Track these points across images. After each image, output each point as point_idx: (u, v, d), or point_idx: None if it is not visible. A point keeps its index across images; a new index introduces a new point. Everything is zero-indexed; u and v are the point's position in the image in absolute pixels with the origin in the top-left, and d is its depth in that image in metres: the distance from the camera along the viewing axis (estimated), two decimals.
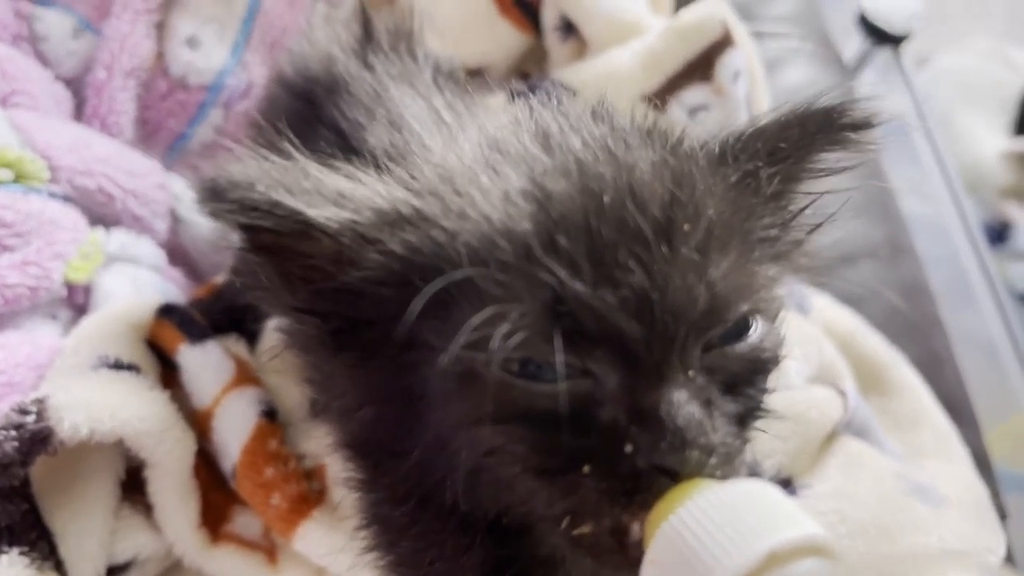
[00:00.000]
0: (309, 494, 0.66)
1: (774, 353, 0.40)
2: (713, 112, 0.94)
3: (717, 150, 0.42)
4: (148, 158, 0.90)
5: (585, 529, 0.38)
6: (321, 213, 0.39)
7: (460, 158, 0.42)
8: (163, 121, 0.97)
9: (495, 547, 0.45)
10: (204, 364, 0.71)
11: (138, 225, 0.87)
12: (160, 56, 0.96)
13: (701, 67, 0.94)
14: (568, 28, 1.02)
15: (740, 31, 0.95)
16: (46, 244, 0.74)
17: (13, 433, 0.59)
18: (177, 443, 0.65)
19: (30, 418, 0.60)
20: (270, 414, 0.70)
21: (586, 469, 0.35)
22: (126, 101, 0.93)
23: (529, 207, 0.37)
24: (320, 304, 0.43)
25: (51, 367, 0.70)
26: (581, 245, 0.35)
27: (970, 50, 1.86)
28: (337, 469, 0.66)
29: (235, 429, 0.68)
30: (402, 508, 0.46)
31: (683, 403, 0.35)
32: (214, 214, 0.39)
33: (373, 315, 0.41)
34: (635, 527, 0.36)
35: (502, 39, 1.03)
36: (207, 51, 0.97)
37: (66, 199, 0.79)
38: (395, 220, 0.39)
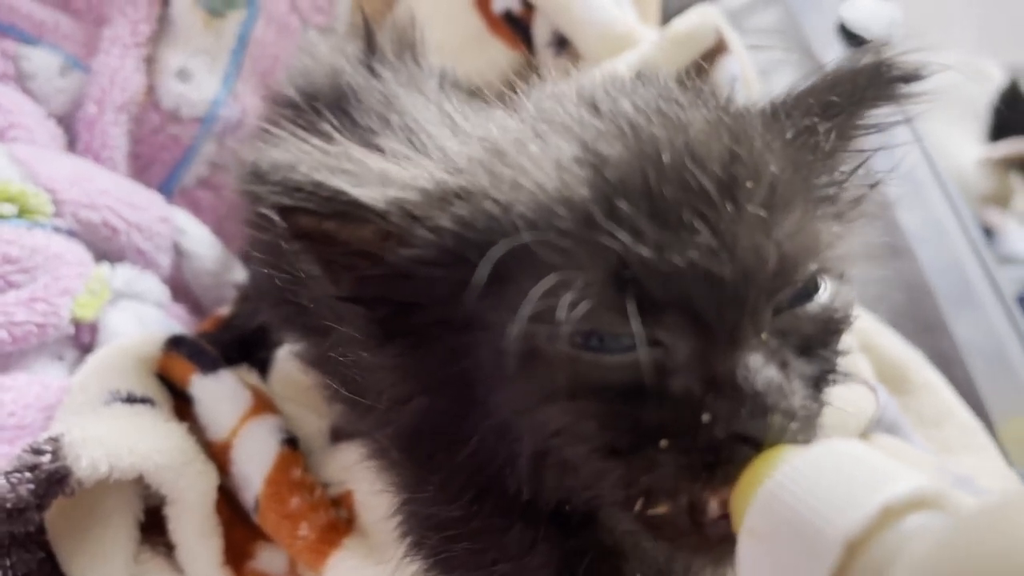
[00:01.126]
0: (338, 523, 0.64)
1: (845, 313, 0.39)
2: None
3: (770, 108, 0.41)
4: (149, 191, 0.88)
5: (660, 510, 0.36)
6: (366, 192, 0.37)
7: (505, 131, 0.41)
8: (156, 155, 0.96)
9: (559, 540, 0.43)
10: (219, 394, 0.69)
11: (142, 260, 0.84)
12: (151, 90, 0.95)
13: (698, 75, 0.93)
14: (561, 44, 1.02)
15: (733, 37, 0.96)
16: (53, 280, 0.72)
17: (28, 475, 0.56)
18: (199, 477, 0.63)
19: (45, 458, 0.57)
20: (291, 442, 0.68)
21: (663, 444, 0.34)
22: (118, 136, 0.92)
23: (584, 173, 0.35)
24: (365, 291, 0.41)
25: (60, 406, 0.67)
26: (643, 208, 0.33)
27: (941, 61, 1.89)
28: (367, 490, 0.64)
29: (256, 459, 0.66)
30: (457, 504, 0.44)
31: (760, 367, 0.33)
32: (258, 197, 0.38)
33: (423, 298, 0.39)
34: (713, 504, 0.35)
35: (494, 58, 1.03)
36: (198, 83, 0.96)
37: (71, 233, 0.77)
38: (444, 195, 0.38)
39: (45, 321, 0.71)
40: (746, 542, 0.31)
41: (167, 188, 0.96)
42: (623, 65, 0.94)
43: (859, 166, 0.44)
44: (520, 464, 0.39)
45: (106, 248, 0.82)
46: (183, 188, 0.97)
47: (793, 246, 0.35)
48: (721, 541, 0.36)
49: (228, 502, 0.68)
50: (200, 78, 0.96)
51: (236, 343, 0.79)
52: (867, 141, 0.44)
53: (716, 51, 0.93)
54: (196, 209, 0.96)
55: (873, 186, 0.45)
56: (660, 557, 0.46)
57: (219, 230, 0.96)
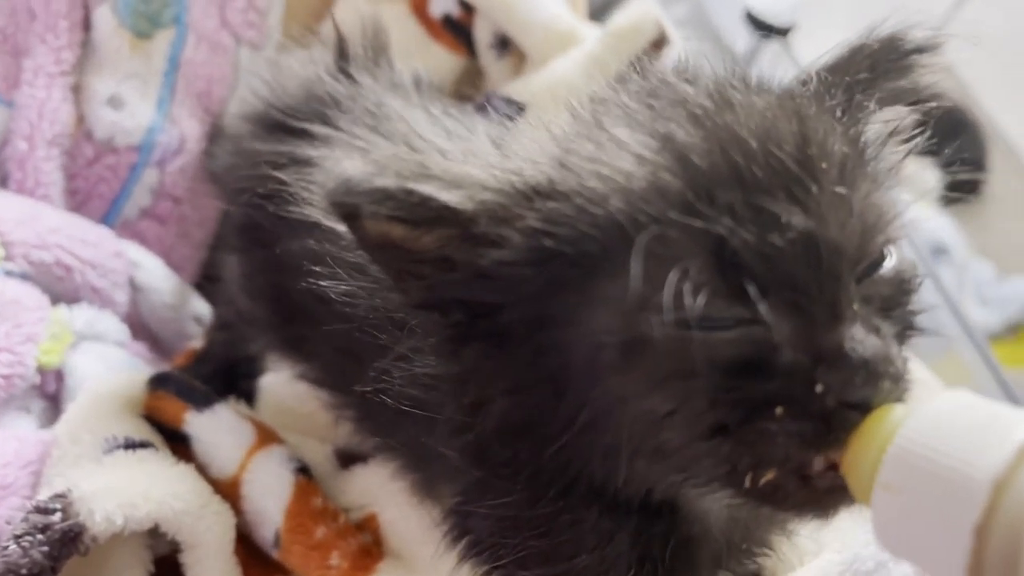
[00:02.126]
0: (370, 547, 0.62)
1: (914, 273, 0.40)
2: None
3: (814, 88, 0.41)
4: (98, 226, 0.83)
5: (769, 476, 0.36)
6: (453, 197, 0.37)
7: (564, 129, 0.41)
8: (93, 188, 0.90)
9: (638, 530, 0.43)
10: (219, 430, 0.66)
11: (98, 299, 0.79)
12: (81, 120, 0.89)
13: (642, 67, 0.95)
14: (503, 45, 1.02)
15: (671, 29, 0.98)
16: (14, 327, 0.67)
17: (40, 537, 0.52)
18: (217, 518, 0.60)
19: (55, 517, 0.53)
20: (304, 471, 0.65)
21: (779, 411, 0.34)
22: (52, 171, 0.86)
23: (670, 162, 0.35)
24: (438, 297, 0.40)
25: (48, 462, 0.62)
26: (738, 193, 0.34)
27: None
28: (394, 511, 0.62)
29: (272, 492, 0.63)
30: (539, 503, 0.43)
31: (865, 337, 0.34)
32: (344, 210, 0.37)
33: (507, 298, 0.39)
34: (818, 460, 0.36)
35: (437, 62, 1.02)
36: (132, 109, 0.91)
37: (23, 277, 0.72)
38: (530, 195, 0.38)
39: (11, 372, 0.66)
40: (881, 497, 0.32)
41: (108, 222, 0.91)
42: (570, 62, 0.95)
43: (892, 136, 0.46)
44: (611, 456, 0.39)
45: (60, 289, 0.77)
46: (125, 221, 0.92)
47: (869, 219, 0.37)
48: (828, 492, 0.37)
49: (241, 541, 0.64)
50: (133, 104, 0.91)
51: (217, 375, 0.76)
52: (895, 112, 0.46)
53: (660, 43, 0.95)
54: (141, 241, 0.91)
55: (905, 156, 0.46)
56: (732, 537, 0.47)
57: (169, 262, 0.92)
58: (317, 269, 0.53)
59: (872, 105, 0.44)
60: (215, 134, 0.96)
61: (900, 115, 0.46)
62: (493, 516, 0.46)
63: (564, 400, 0.39)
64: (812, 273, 0.34)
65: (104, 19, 0.89)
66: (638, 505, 0.43)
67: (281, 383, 0.77)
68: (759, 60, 1.57)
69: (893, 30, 0.44)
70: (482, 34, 1.01)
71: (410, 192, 0.36)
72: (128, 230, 0.92)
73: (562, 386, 0.39)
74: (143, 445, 0.62)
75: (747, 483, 0.37)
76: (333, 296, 0.53)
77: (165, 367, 0.83)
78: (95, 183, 0.90)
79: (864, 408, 0.34)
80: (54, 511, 0.53)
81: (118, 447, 0.61)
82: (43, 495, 0.56)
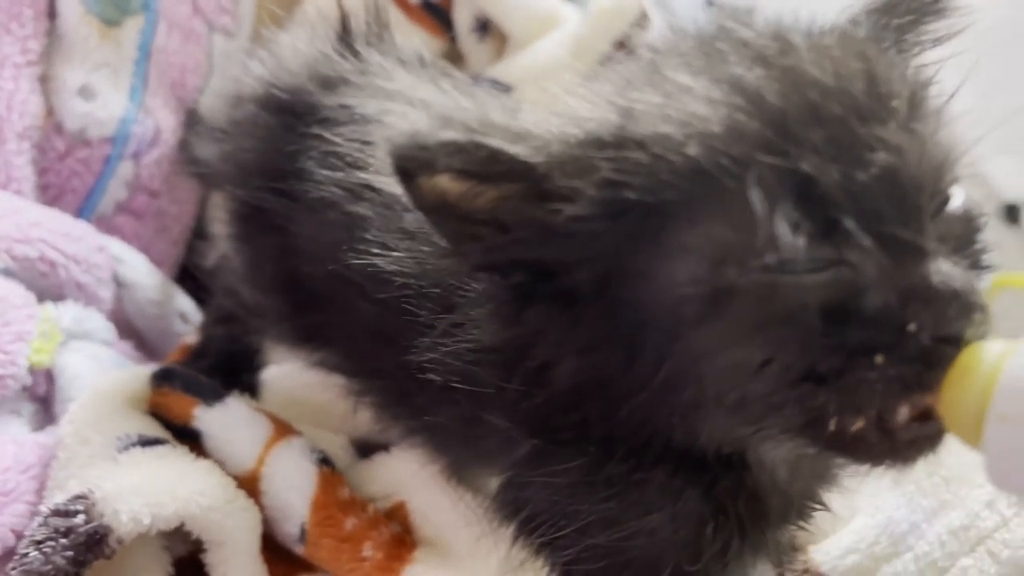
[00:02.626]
0: (403, 536, 0.60)
1: (979, 211, 0.40)
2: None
3: (868, 29, 0.41)
4: (78, 220, 0.79)
5: (858, 425, 0.36)
6: (523, 150, 0.36)
7: (626, 78, 0.40)
8: (66, 183, 0.86)
9: (707, 485, 0.43)
10: (233, 424, 0.63)
11: (83, 295, 0.76)
12: (50, 112, 0.85)
13: (626, 46, 0.95)
14: (483, 28, 1.01)
15: (651, 9, 0.98)
16: (2, 325, 0.63)
17: (64, 541, 0.49)
18: (244, 513, 0.57)
19: (78, 519, 0.50)
20: (326, 461, 0.63)
21: (879, 359, 0.34)
22: (23, 166, 0.81)
23: (744, 103, 0.34)
24: (505, 257, 0.39)
25: (54, 465, 0.59)
26: (818, 131, 0.33)
27: None
28: (426, 497, 0.61)
29: (295, 485, 0.60)
30: (607, 465, 0.42)
31: (952, 271, 0.34)
32: (414, 163, 0.36)
33: (579, 255, 0.38)
34: (903, 410, 0.36)
35: (418, 46, 1.00)
36: (104, 100, 0.87)
37: (7, 273, 0.68)
38: (599, 146, 0.36)
39: (3, 372, 0.62)
40: (995, 430, 0.32)
41: (83, 218, 0.86)
42: (553, 44, 0.95)
43: (935, 76, 0.46)
44: (691, 411, 0.38)
45: (44, 285, 0.73)
46: (100, 216, 0.88)
47: (939, 155, 0.36)
48: (910, 444, 0.37)
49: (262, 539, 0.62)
50: (105, 94, 0.87)
51: (216, 370, 0.72)
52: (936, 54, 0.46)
53: (641, 22, 0.95)
54: (118, 237, 0.87)
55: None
56: (792, 492, 0.47)
57: (147, 257, 0.88)
58: (356, 246, 0.51)
59: (919, 46, 0.44)
60: (191, 122, 0.92)
61: (941, 58, 0.46)
62: (554, 485, 0.45)
63: (640, 357, 0.38)
64: (897, 208, 0.34)
65: (70, 6, 0.85)
66: (705, 461, 0.42)
67: (287, 374, 0.74)
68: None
69: None
70: (462, 17, 1.00)
71: (479, 145, 0.35)
72: (104, 225, 0.87)
73: (638, 343, 0.38)
74: (158, 442, 0.60)
75: (830, 432, 0.36)
76: (365, 276, 0.52)
77: (153, 366, 0.80)
78: (68, 177, 0.86)
79: (958, 342, 0.34)
80: (76, 513, 0.50)
81: (133, 445, 0.58)
82: (58, 498, 0.53)
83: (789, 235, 0.32)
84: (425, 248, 0.47)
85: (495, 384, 0.44)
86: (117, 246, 0.82)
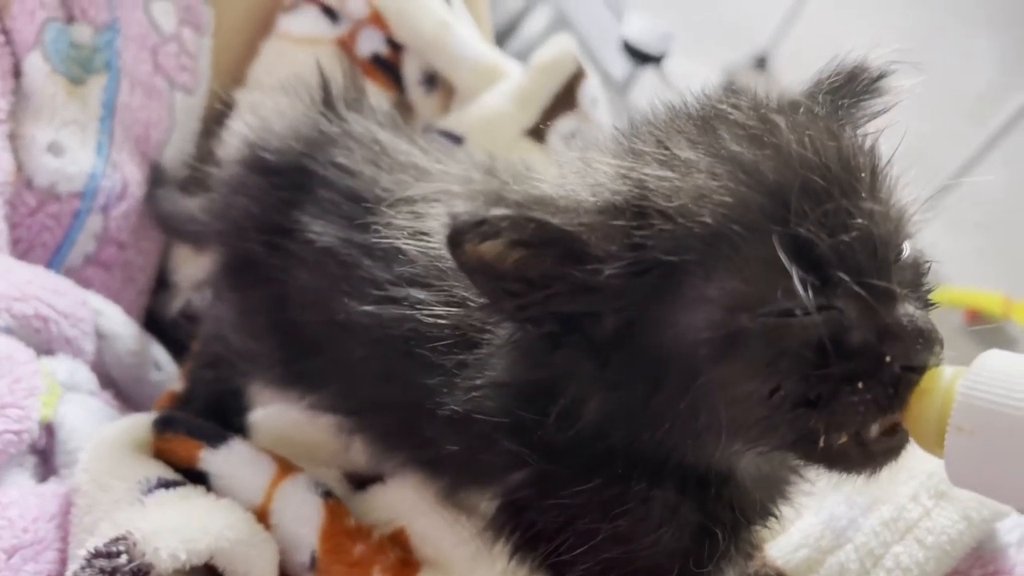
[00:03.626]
0: (408, 558, 0.65)
1: (926, 259, 0.48)
2: (583, 137, 1.05)
3: (822, 109, 0.49)
4: (60, 276, 0.81)
5: (842, 440, 0.43)
6: (563, 220, 0.43)
7: (634, 151, 0.47)
8: (36, 237, 0.88)
9: (702, 499, 0.50)
10: (239, 464, 0.67)
11: (71, 349, 0.78)
12: (19, 168, 0.87)
13: (566, 98, 1.04)
14: (431, 81, 1.08)
15: (585, 63, 1.07)
16: (14, 382, 0.65)
17: None
18: (266, 545, 0.62)
19: (122, 559, 0.54)
20: (330, 494, 0.68)
21: (860, 385, 0.41)
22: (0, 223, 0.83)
23: (745, 179, 0.42)
24: (540, 310, 0.46)
25: (74, 512, 0.62)
26: (808, 201, 0.41)
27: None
28: (426, 521, 0.66)
29: (304, 517, 0.65)
30: (617, 486, 0.49)
31: (915, 313, 0.42)
32: (475, 235, 0.42)
33: (609, 307, 0.45)
34: (874, 428, 0.43)
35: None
36: (73, 156, 0.89)
37: (8, 331, 0.70)
38: (627, 215, 0.43)
39: (21, 427, 0.65)
40: (954, 439, 0.39)
41: (51, 270, 0.88)
42: (499, 96, 1.03)
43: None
44: (705, 435, 0.45)
45: (36, 341, 0.75)
46: (70, 268, 0.90)
47: (897, 215, 0.45)
48: (882, 454, 0.45)
49: None
50: (74, 151, 0.89)
51: (204, 415, 0.76)
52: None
53: (579, 75, 1.04)
54: (87, 288, 0.90)
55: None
56: (761, 497, 0.54)
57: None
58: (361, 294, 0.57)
59: (861, 120, 0.53)
60: (157, 178, 0.96)
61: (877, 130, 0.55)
62: (564, 505, 0.52)
63: (661, 392, 0.45)
64: (872, 262, 0.42)
65: (36, 66, 0.87)
66: (698, 477, 0.50)
67: (276, 415, 0.79)
68: (636, 86, 1.70)
69: (858, 60, 0.52)
70: (410, 71, 1.07)
71: (529, 219, 0.42)
72: (73, 277, 0.89)
73: (660, 380, 0.45)
74: (178, 483, 0.63)
75: (820, 447, 0.44)
76: (370, 321, 0.57)
77: (142, 415, 0.83)
78: (38, 232, 0.88)
79: (923, 370, 0.42)
80: (118, 554, 0.54)
81: (156, 488, 0.62)
82: (95, 541, 0.56)
83: (800, 288, 0.40)
84: (440, 295, 0.53)
85: (514, 414, 0.51)
86: (96, 299, 0.84)
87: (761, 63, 2.63)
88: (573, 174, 0.47)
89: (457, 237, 0.43)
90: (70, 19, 0.90)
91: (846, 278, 0.41)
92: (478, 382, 0.51)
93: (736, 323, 0.42)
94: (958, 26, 3.04)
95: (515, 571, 0.58)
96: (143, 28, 0.95)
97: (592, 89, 1.06)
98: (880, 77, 0.52)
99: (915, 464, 0.70)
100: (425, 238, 0.48)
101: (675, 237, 0.42)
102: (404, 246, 0.51)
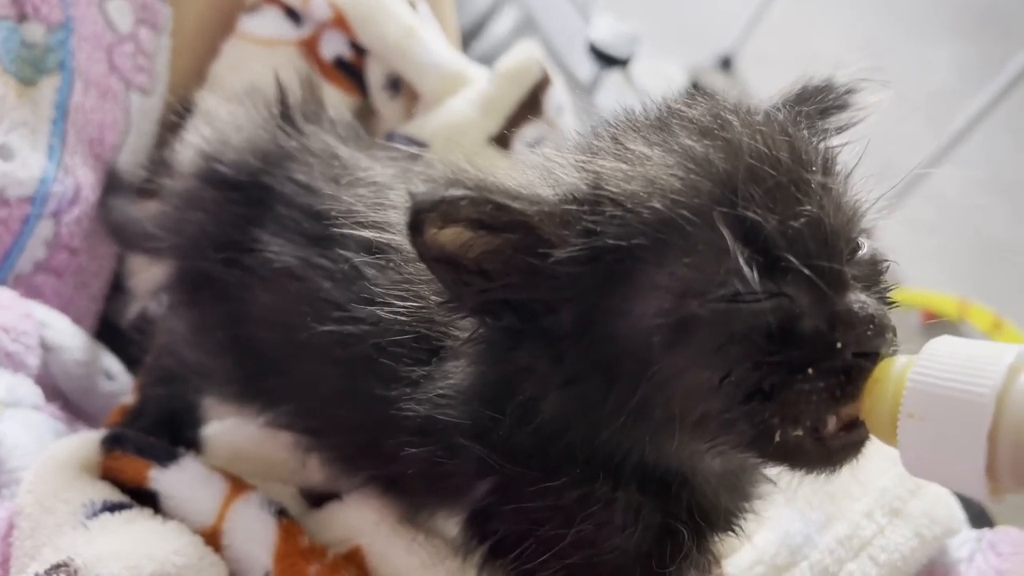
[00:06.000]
0: None
1: (884, 258, 0.48)
2: (548, 144, 1.04)
3: (783, 113, 0.49)
4: (4, 288, 0.79)
5: (797, 433, 0.43)
6: (521, 204, 0.43)
7: (591, 148, 0.47)
8: None
9: (664, 502, 0.50)
10: (189, 483, 0.66)
11: (11, 363, 0.76)
12: None
13: (531, 105, 1.04)
14: (395, 86, 1.06)
15: (550, 71, 1.07)
16: None
17: None
18: (214, 568, 0.60)
19: None
20: (284, 513, 0.67)
21: (810, 371, 0.41)
22: None
23: (695, 167, 0.42)
24: (498, 299, 0.46)
25: (17, 535, 0.60)
26: (757, 188, 0.41)
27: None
28: (383, 540, 0.65)
29: (257, 537, 0.64)
30: (579, 488, 0.49)
31: (867, 300, 0.42)
32: (432, 215, 0.42)
33: (563, 295, 0.45)
34: (831, 421, 0.43)
35: (331, 103, 1.04)
36: (23, 159, 0.87)
37: None
38: (580, 202, 0.44)
39: None
40: (906, 426, 0.39)
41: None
42: (464, 102, 1.02)
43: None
44: (662, 431, 0.45)
45: None
46: (19, 275, 0.88)
47: (849, 211, 0.45)
48: (839, 450, 0.44)
49: None
50: (24, 154, 0.87)
51: (156, 429, 0.74)
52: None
53: (544, 83, 1.04)
54: (37, 296, 0.87)
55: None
56: (725, 503, 0.54)
57: (67, 315, 0.88)
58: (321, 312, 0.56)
59: (826, 133, 0.53)
60: (112, 185, 0.93)
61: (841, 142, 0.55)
62: (528, 511, 0.51)
63: (617, 385, 0.44)
64: (822, 248, 0.42)
65: None
66: (659, 479, 0.50)
67: (230, 429, 0.77)
68: (602, 88, 1.70)
69: (825, 78, 0.53)
70: (374, 76, 1.06)
71: (488, 200, 0.42)
72: (22, 285, 0.88)
73: (615, 372, 0.44)
74: (124, 506, 0.62)
75: (775, 442, 0.43)
76: (331, 339, 0.57)
77: (81, 428, 0.81)
78: None
79: (875, 358, 0.42)
80: None
81: (102, 511, 0.60)
82: (36, 567, 0.55)
83: (746, 268, 0.40)
84: (400, 302, 0.52)
85: (475, 415, 0.50)
86: (42, 310, 0.82)
87: (726, 64, 2.65)
88: (531, 169, 0.47)
89: (417, 219, 0.42)
90: (22, 17, 0.88)
91: (792, 259, 0.41)
92: (440, 390, 0.51)
93: (686, 309, 0.42)
94: (917, 32, 3.09)
95: None
96: (98, 27, 0.93)
97: (558, 96, 1.06)
98: (847, 92, 0.53)
99: (869, 480, 0.70)
100: (386, 227, 0.48)
101: (625, 223, 0.42)
102: (367, 235, 0.50)
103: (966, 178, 2.65)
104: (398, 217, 0.43)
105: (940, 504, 0.69)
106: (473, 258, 0.44)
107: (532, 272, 0.44)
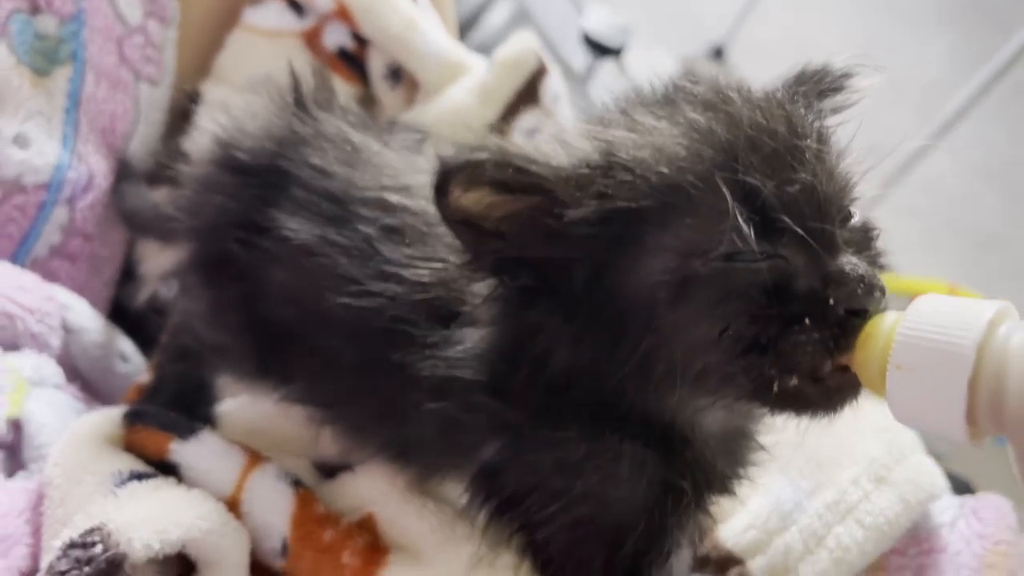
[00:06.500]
0: (376, 543, 0.68)
1: (875, 226, 0.51)
2: (545, 133, 1.08)
3: (782, 92, 0.52)
4: (25, 271, 0.82)
5: (793, 382, 0.46)
6: (540, 168, 0.46)
7: (603, 121, 0.51)
8: (2, 229, 0.87)
9: (667, 456, 0.53)
10: (209, 455, 0.69)
11: (36, 344, 0.79)
12: None
13: (528, 94, 1.07)
14: (396, 75, 1.09)
15: (546, 60, 1.10)
16: None
17: (87, 570, 0.55)
18: (237, 533, 0.64)
19: (97, 549, 0.56)
20: (299, 483, 0.70)
21: (806, 322, 0.44)
22: None
23: (699, 136, 0.46)
24: (515, 258, 0.49)
25: (48, 505, 0.63)
26: (756, 156, 0.45)
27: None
28: (394, 506, 0.69)
29: (275, 506, 0.67)
30: (589, 443, 0.52)
31: (857, 262, 0.45)
32: (461, 175, 0.46)
33: (576, 253, 0.48)
34: (827, 365, 0.46)
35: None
36: (39, 147, 0.89)
37: None
38: (593, 167, 0.47)
39: None
40: (894, 376, 0.42)
41: (17, 262, 0.89)
42: (463, 91, 1.05)
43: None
44: (664, 383, 0.48)
45: (1, 338, 0.76)
46: (35, 259, 0.90)
47: (842, 180, 0.49)
48: (838, 390, 0.47)
49: None
50: (40, 142, 0.89)
51: (172, 407, 0.77)
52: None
53: (541, 72, 1.07)
54: (53, 280, 0.90)
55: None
56: (723, 464, 0.58)
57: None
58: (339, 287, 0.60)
59: (822, 111, 0.56)
60: (124, 173, 0.96)
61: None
62: (538, 465, 0.54)
63: (623, 340, 0.48)
64: (816, 213, 0.46)
65: (1, 58, 0.88)
66: (661, 435, 0.53)
67: (244, 406, 0.80)
68: (596, 78, 1.73)
69: (822, 64, 0.56)
70: (375, 66, 1.08)
71: (509, 163, 0.46)
72: (38, 269, 0.90)
73: (621, 328, 0.48)
74: (150, 475, 0.65)
75: (774, 391, 0.46)
76: (348, 312, 0.60)
77: (99, 407, 0.84)
78: (3, 223, 0.88)
79: (864, 315, 0.45)
80: (94, 544, 0.56)
81: (129, 479, 0.63)
82: (69, 533, 0.58)
83: (746, 228, 0.43)
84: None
85: (491, 371, 0.54)
86: (63, 293, 0.85)
87: (718, 54, 2.67)
88: (546, 143, 0.50)
89: (444, 180, 0.46)
90: (35, 10, 0.90)
91: (788, 220, 0.44)
92: (457, 351, 0.54)
93: (689, 268, 0.45)
94: (908, 21, 3.12)
95: (486, 550, 0.61)
96: (109, 19, 0.96)
97: (554, 85, 1.09)
98: (843, 76, 0.56)
99: (857, 450, 0.74)
100: (415, 191, 0.53)
101: (635, 187, 0.46)
102: (391, 199, 0.53)
103: (958, 166, 2.69)
104: (425, 180, 0.47)
105: (923, 471, 0.72)
106: (493, 220, 0.48)
107: (548, 233, 0.48)
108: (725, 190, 0.44)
